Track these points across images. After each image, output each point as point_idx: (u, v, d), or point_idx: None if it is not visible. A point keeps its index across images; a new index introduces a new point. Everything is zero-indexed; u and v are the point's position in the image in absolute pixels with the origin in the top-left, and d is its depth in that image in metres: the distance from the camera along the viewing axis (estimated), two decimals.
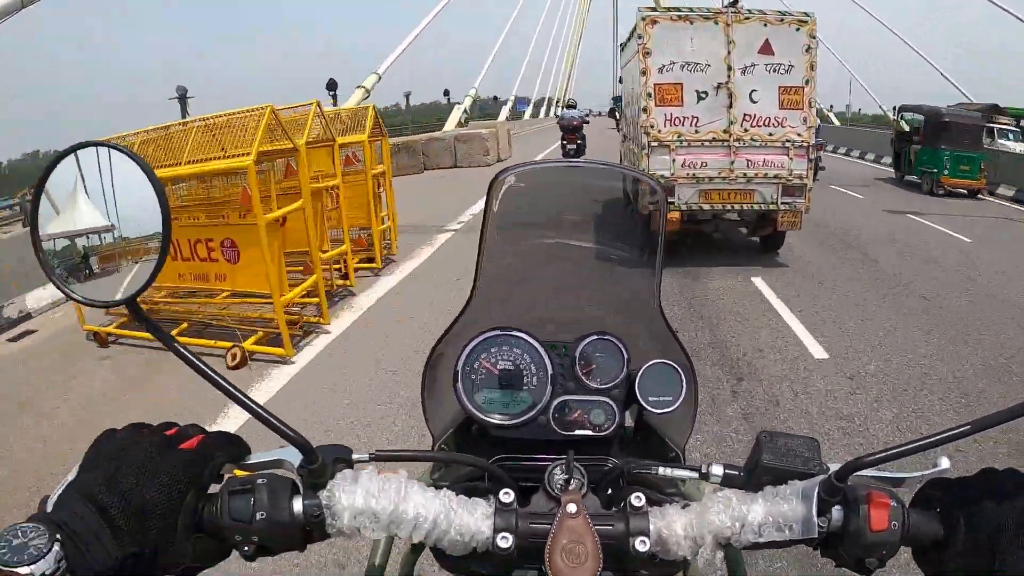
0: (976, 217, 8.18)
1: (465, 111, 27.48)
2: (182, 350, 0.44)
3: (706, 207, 5.22)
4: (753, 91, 5.15)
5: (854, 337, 3.79)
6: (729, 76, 5.03)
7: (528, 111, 44.23)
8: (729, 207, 5.21)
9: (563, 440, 0.60)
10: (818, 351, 3.65)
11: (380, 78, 20.22)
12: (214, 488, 0.46)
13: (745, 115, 5.14)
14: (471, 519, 0.49)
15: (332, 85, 17.96)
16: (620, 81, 7.71)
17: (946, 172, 9.73)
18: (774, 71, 5.19)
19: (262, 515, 0.46)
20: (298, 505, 0.46)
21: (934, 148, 10.21)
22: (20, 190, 12.14)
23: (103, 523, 0.41)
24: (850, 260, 5.74)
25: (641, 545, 0.49)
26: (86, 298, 0.45)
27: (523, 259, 0.79)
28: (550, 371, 0.65)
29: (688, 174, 5.24)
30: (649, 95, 5.23)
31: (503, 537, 0.48)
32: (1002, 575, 0.43)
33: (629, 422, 0.66)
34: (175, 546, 0.43)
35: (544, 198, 0.81)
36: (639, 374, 0.63)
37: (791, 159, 5.03)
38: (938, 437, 0.44)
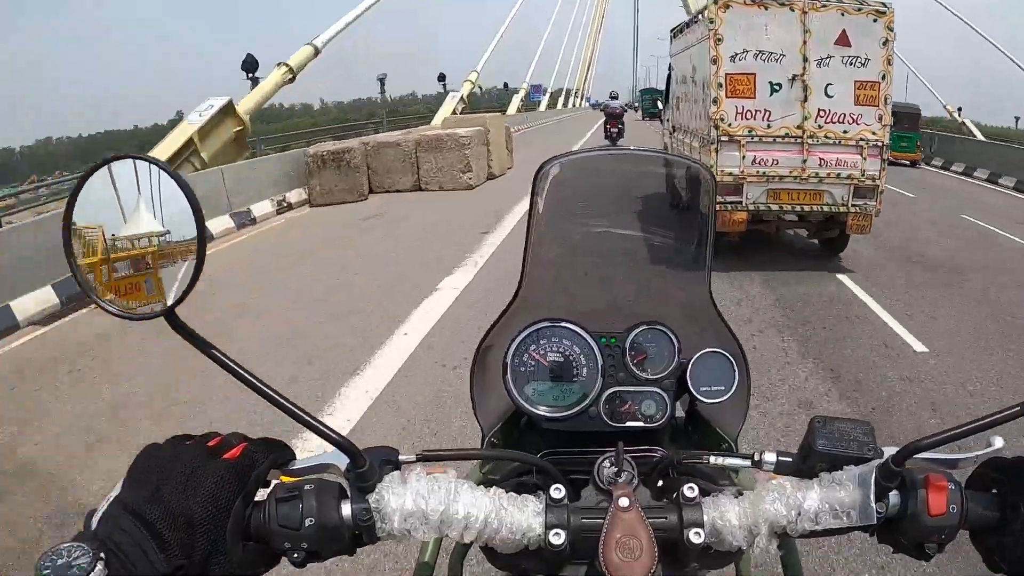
0: (916, 180, 11.12)
1: (463, 99, 23.75)
2: (223, 358, 0.43)
3: (774, 207, 4.97)
4: (828, 85, 4.86)
5: None
6: (804, 68, 4.76)
7: (544, 101, 40.43)
8: (798, 208, 4.99)
9: (614, 432, 0.57)
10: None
11: (317, 52, 15.13)
12: (261, 495, 0.44)
13: (820, 110, 4.89)
14: (522, 516, 0.47)
15: (251, 64, 13.79)
16: (670, 69, 7.32)
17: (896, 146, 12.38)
18: (850, 64, 4.88)
19: (311, 521, 0.44)
20: (347, 510, 0.45)
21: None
22: (29, 177, 11.31)
23: (149, 537, 0.39)
24: None
25: (696, 537, 0.47)
26: (123, 311, 0.43)
27: (571, 250, 0.75)
28: (600, 362, 0.63)
29: (758, 172, 4.96)
30: (720, 85, 4.91)
31: (555, 534, 0.46)
32: None
33: (680, 413, 0.62)
34: (224, 556, 0.41)
35: (590, 187, 0.76)
36: (691, 364, 0.60)
37: (864, 159, 4.79)
38: (993, 418, 0.42)
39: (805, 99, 4.73)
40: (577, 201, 0.78)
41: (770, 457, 0.51)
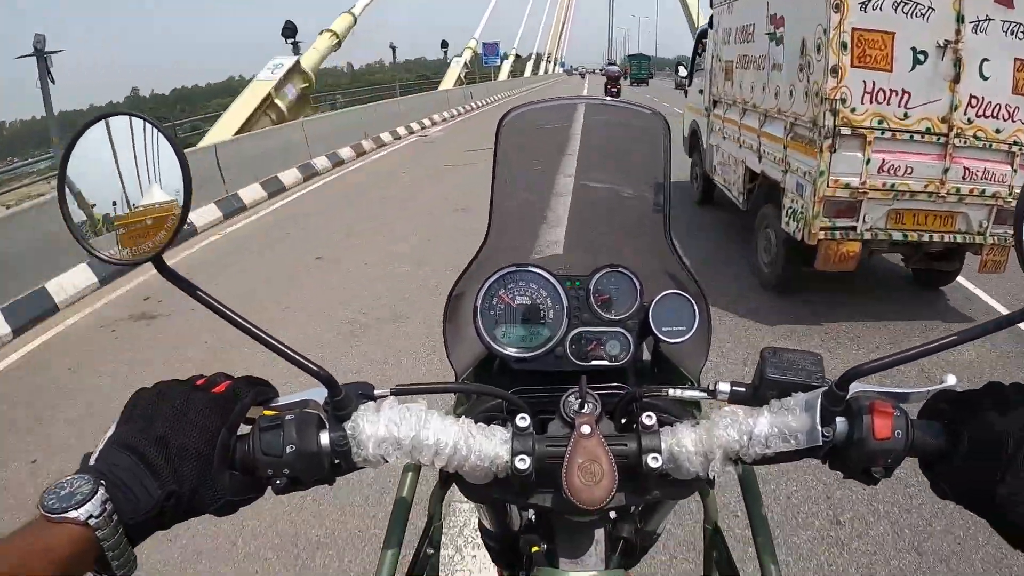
0: None
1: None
2: (208, 298, 0.51)
3: (896, 235, 3.63)
4: (984, 61, 3.36)
5: None
6: (959, 32, 3.29)
7: (505, 67, 38.79)
8: (924, 236, 3.64)
9: (580, 371, 0.68)
10: None
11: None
12: (246, 430, 0.54)
13: (972, 98, 3.38)
14: (489, 444, 0.55)
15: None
16: (709, 26, 6.05)
17: None
18: (1011, 33, 3.35)
19: (292, 448, 0.51)
20: (325, 438, 0.53)
21: None
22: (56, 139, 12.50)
23: (142, 466, 0.47)
24: None
25: (653, 461, 0.54)
26: (113, 258, 0.52)
27: (536, 197, 0.85)
28: (566, 304, 0.73)
29: (884, 184, 3.49)
30: (844, 46, 3.30)
31: (521, 459, 0.53)
32: (1004, 484, 0.48)
33: (647, 356, 0.75)
34: (212, 482, 0.50)
35: (551, 136, 0.85)
36: (652, 305, 0.70)
37: (1015, 171, 3.49)
38: (929, 346, 0.49)
39: (956, 79, 3.37)
40: (540, 150, 0.84)
41: (724, 387, 0.58)
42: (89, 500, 0.44)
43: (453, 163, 10.48)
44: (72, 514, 0.43)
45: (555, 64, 66.97)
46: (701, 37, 6.73)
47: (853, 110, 3.42)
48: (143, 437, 0.49)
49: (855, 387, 0.53)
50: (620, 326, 0.72)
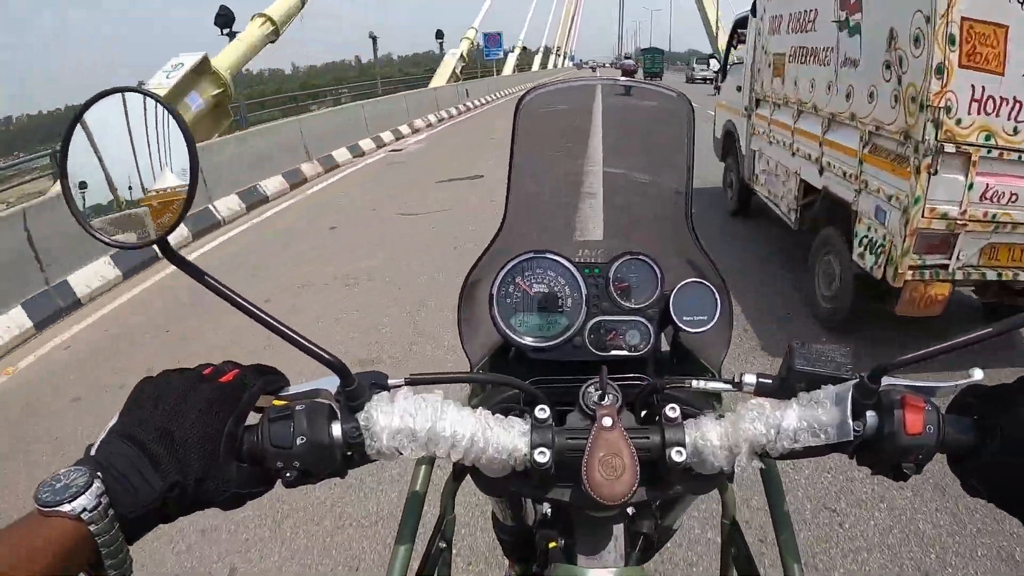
0: None
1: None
2: (216, 283, 0.52)
3: (991, 275, 3.06)
4: None
5: None
6: None
7: (510, 61, 35.98)
8: (1022, 275, 3.11)
9: (599, 361, 0.68)
10: None
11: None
12: (255, 420, 0.55)
13: None
14: (508, 436, 0.55)
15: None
16: (752, 12, 5.30)
17: None
18: None
19: (302, 439, 0.52)
20: (337, 429, 0.54)
21: None
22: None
23: (144, 458, 0.48)
24: None
25: (677, 455, 0.54)
26: (117, 241, 0.52)
27: (555, 182, 0.86)
28: (584, 292, 0.74)
29: (986, 214, 2.88)
30: (951, 40, 2.62)
31: (540, 452, 0.54)
32: None
33: (665, 346, 0.76)
34: (218, 475, 0.50)
35: (571, 119, 0.85)
36: (673, 294, 0.71)
37: None
38: (966, 338, 0.50)
39: None
40: (559, 133, 0.84)
41: (750, 379, 0.59)
42: (83, 493, 0.44)
43: (416, 207, 7.29)
44: (65, 507, 0.43)
45: (564, 58, 66.86)
46: (739, 26, 6.52)
47: (959, 122, 2.92)
48: (146, 427, 0.49)
49: (884, 380, 0.55)
50: (640, 315, 0.73)
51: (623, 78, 0.89)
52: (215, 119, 10.35)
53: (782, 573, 0.71)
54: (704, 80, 45.61)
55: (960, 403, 0.56)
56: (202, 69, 10.14)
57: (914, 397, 0.53)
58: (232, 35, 11.76)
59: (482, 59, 32.56)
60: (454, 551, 0.93)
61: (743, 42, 6.01)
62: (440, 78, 23.73)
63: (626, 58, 34.40)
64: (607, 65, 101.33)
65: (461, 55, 25.83)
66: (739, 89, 5.93)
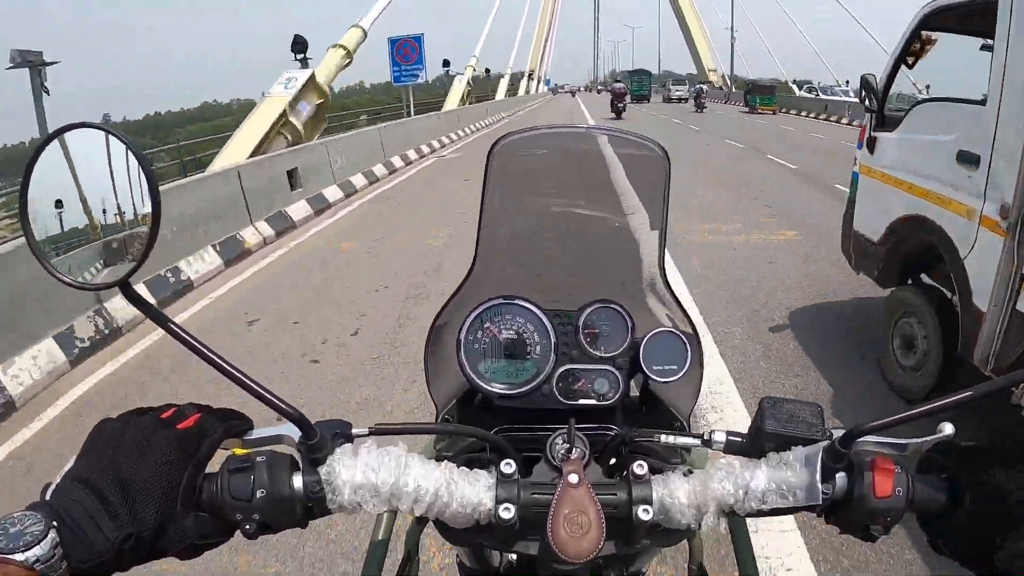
0: (768, 117, 29.71)
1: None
2: (177, 329, 0.51)
3: None
4: None
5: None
6: None
7: (459, 87, 27.90)
8: None
9: (567, 409, 0.69)
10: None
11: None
12: (215, 468, 0.55)
13: None
14: (472, 491, 0.55)
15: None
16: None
17: (758, 102, 32.99)
18: None
19: (262, 492, 0.51)
20: (298, 481, 0.53)
21: (755, 95, 33.65)
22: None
23: (100, 507, 0.47)
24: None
25: (644, 514, 0.54)
26: (77, 282, 0.51)
27: (525, 228, 0.85)
28: (553, 340, 0.73)
29: None
30: None
31: (505, 508, 0.53)
32: (1005, 548, 0.48)
33: (635, 392, 0.76)
34: (175, 525, 0.50)
35: (544, 165, 0.85)
36: (643, 342, 0.71)
37: None
38: (941, 403, 0.49)
39: None
40: (531, 178, 0.84)
41: (720, 436, 0.58)
42: (38, 543, 0.43)
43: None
44: (18, 556, 0.43)
45: (539, 82, 63.43)
46: (923, 26, 3.44)
47: None
48: (102, 474, 0.48)
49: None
50: (610, 364, 0.73)
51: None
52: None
53: None
54: (680, 100, 47.66)
55: (931, 460, 0.55)
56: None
57: (884, 460, 0.53)
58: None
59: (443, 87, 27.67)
60: None
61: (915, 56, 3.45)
62: (452, 102, 25.10)
63: (616, 81, 33.62)
64: (582, 89, 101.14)
65: (468, 80, 26.61)
66: (964, 159, 2.66)
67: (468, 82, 26.37)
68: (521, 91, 48.39)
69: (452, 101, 24.56)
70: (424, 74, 18.62)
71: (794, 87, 39.66)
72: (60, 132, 0.50)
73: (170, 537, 0.49)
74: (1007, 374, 0.47)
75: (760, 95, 33.10)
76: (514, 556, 0.76)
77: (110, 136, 0.49)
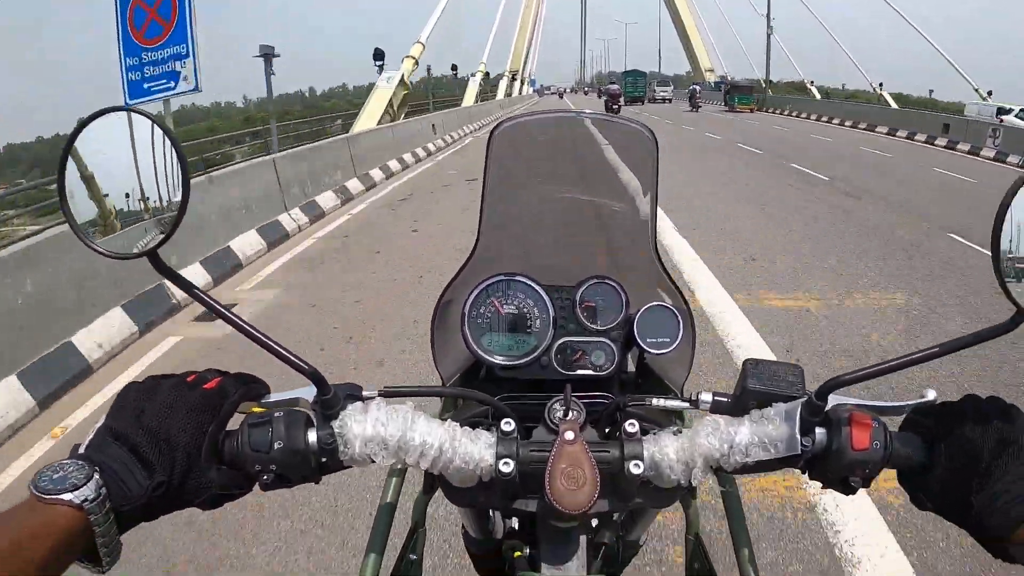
0: (745, 116, 33.23)
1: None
2: (203, 295, 0.55)
3: None
4: None
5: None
6: None
7: (472, 89, 32.03)
8: None
9: (565, 379, 0.71)
10: None
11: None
12: (235, 426, 0.57)
13: None
14: (474, 448, 0.57)
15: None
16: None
17: (737, 101, 36.59)
18: None
19: (280, 444, 0.54)
20: (312, 436, 0.56)
21: (734, 94, 37.41)
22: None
23: (132, 457, 0.50)
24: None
25: (635, 468, 0.56)
26: (109, 251, 0.55)
27: (524, 208, 0.89)
28: (552, 314, 0.77)
29: None
30: None
31: (505, 463, 0.56)
32: (981, 494, 0.51)
33: (631, 367, 0.79)
34: (199, 476, 0.53)
35: (542, 148, 0.89)
36: (637, 316, 0.74)
37: None
38: (910, 358, 0.52)
39: None
40: (530, 161, 0.88)
41: (706, 397, 0.61)
42: (84, 484, 0.46)
43: None
44: (67, 496, 0.45)
45: (525, 84, 60.32)
46: None
47: None
48: (134, 428, 0.52)
49: (837, 400, 0.57)
50: (605, 336, 0.76)
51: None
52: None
53: None
54: (664, 100, 47.66)
55: (911, 422, 0.57)
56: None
57: (861, 414, 0.55)
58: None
59: (434, 86, 27.05)
60: (424, 566, 0.91)
61: None
62: (469, 99, 30.86)
63: (610, 83, 34.33)
64: (568, 90, 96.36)
65: (480, 82, 28.04)
66: None
67: (480, 82, 27.26)
68: (500, 94, 44.11)
69: (468, 100, 30.11)
70: (194, 74, 6.44)
71: (814, 90, 38.44)
72: (97, 115, 0.53)
73: (194, 488, 0.52)
74: (973, 333, 0.48)
75: (739, 95, 37.31)
76: (516, 524, 0.79)
77: (146, 119, 0.52)
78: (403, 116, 18.44)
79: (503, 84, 41.13)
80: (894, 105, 27.63)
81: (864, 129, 22.37)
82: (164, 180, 0.53)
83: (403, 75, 19.70)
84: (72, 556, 0.47)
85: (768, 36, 40.27)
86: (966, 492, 0.51)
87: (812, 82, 39.16)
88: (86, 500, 0.46)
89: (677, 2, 74.79)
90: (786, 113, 30.31)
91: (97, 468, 0.48)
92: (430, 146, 15.23)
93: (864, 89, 37.19)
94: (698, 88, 38.14)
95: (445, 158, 14.26)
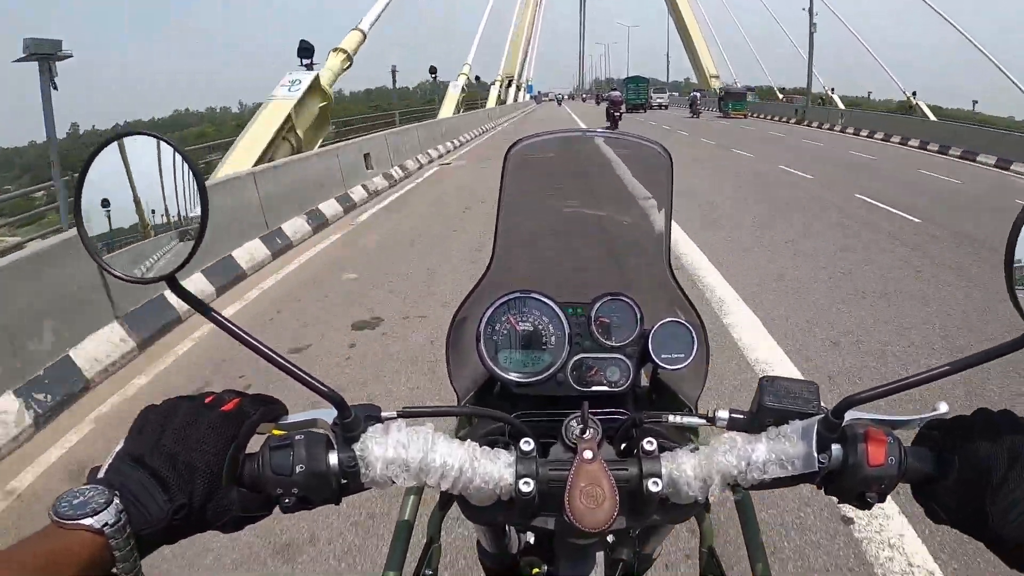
0: (739, 121, 33.44)
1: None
2: (220, 319, 0.55)
3: None
4: None
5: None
6: None
7: (453, 95, 28.09)
8: None
9: (580, 396, 0.72)
10: None
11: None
12: (255, 448, 0.57)
13: None
14: (494, 467, 0.58)
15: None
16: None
17: (730, 108, 37.12)
18: None
19: (301, 467, 0.55)
20: (334, 458, 0.56)
21: (728, 100, 37.70)
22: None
23: (153, 481, 0.50)
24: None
25: (654, 486, 0.57)
26: (128, 275, 0.55)
27: (540, 225, 0.90)
28: (567, 331, 0.77)
29: None
30: None
31: (525, 482, 0.57)
32: (994, 505, 0.52)
33: (645, 382, 0.79)
34: (220, 499, 0.53)
35: (557, 167, 0.91)
36: (652, 332, 0.74)
37: None
38: (926, 375, 0.53)
39: None
40: (545, 180, 0.88)
41: (723, 414, 0.61)
42: (104, 509, 0.46)
43: None
44: (87, 521, 0.45)
45: (521, 90, 56.52)
46: None
47: None
48: (153, 451, 0.52)
49: (851, 415, 0.57)
50: (620, 353, 0.77)
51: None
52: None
53: None
54: (659, 106, 47.22)
55: (924, 436, 0.58)
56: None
57: (876, 431, 0.56)
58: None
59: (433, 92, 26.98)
60: None
61: None
62: (447, 110, 24.71)
63: (612, 89, 32.28)
64: (566, 97, 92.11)
65: (463, 87, 26.48)
66: None
67: (463, 87, 25.64)
68: (491, 101, 38.19)
69: (445, 111, 24.10)
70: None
71: (836, 99, 33.06)
72: (113, 139, 0.54)
73: (215, 510, 0.52)
74: (984, 350, 0.49)
75: (732, 101, 36.69)
76: (531, 539, 0.80)
77: (164, 144, 0.52)
78: (320, 141, 11.91)
79: (495, 90, 37.31)
80: (932, 117, 23.73)
81: (899, 143, 18.97)
82: (180, 203, 0.54)
83: (321, 78, 12.27)
84: None
85: (811, 35, 33.42)
86: (980, 504, 0.51)
87: (833, 89, 34.03)
88: (106, 525, 0.45)
89: (681, 6, 69.75)
90: (828, 127, 24.90)
91: (117, 492, 0.48)
92: (353, 195, 8.87)
93: (889, 98, 36.35)
94: (698, 96, 38.01)
95: (370, 219, 8.12)
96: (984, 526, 0.51)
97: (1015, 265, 0.48)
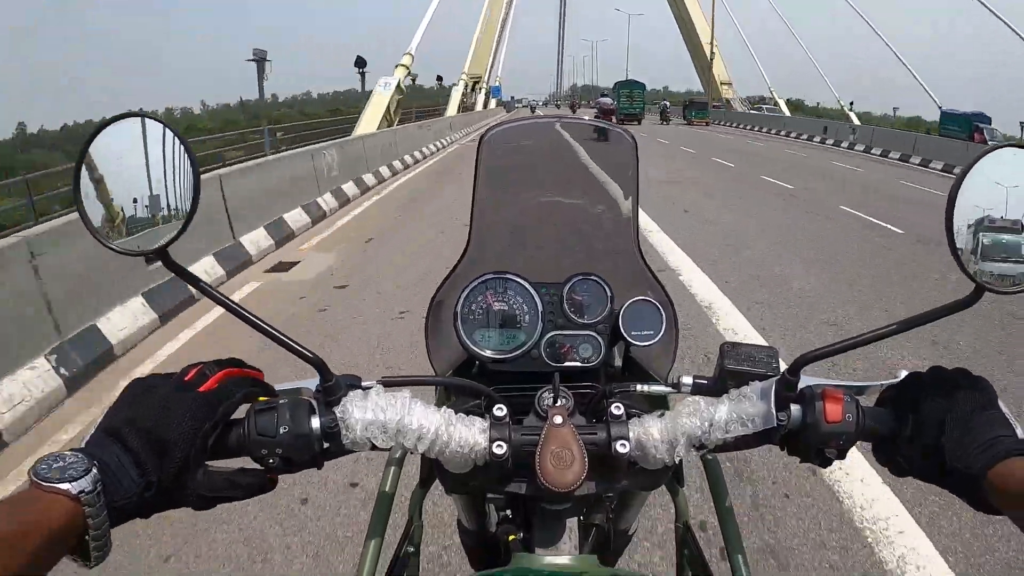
0: (700, 129, 34.80)
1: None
2: (211, 290, 0.56)
3: None
4: None
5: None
6: None
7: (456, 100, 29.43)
8: None
9: (554, 371, 0.73)
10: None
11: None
12: (241, 414, 0.59)
13: None
14: (469, 432, 0.60)
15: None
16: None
17: (693, 116, 39.24)
18: None
19: (285, 428, 0.56)
20: (316, 422, 0.58)
21: (691, 110, 39.99)
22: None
23: (128, 456, 0.51)
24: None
25: (621, 447, 0.59)
26: (122, 249, 0.56)
27: (513, 209, 0.92)
28: (540, 309, 0.81)
29: None
30: None
31: (498, 445, 0.59)
32: (948, 452, 0.53)
33: (618, 361, 0.82)
34: (191, 478, 0.54)
35: (528, 152, 0.93)
36: (622, 311, 0.77)
37: None
38: (873, 334, 0.55)
39: None
40: (518, 165, 0.90)
41: (687, 380, 0.64)
42: (82, 477, 0.47)
43: None
44: (64, 486, 0.46)
45: (488, 95, 45.26)
46: None
47: None
48: (129, 427, 0.52)
49: (812, 379, 0.60)
50: (592, 330, 0.79)
51: (575, 119, 0.91)
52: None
53: (729, 566, 0.78)
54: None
55: (883, 399, 0.61)
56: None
57: (833, 390, 0.59)
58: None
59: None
60: (421, 560, 0.95)
61: None
62: (452, 109, 30.17)
63: (603, 95, 34.24)
64: (541, 104, 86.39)
65: (463, 91, 26.54)
66: None
67: (464, 92, 23.01)
68: (452, 109, 30.39)
69: (451, 109, 28.91)
70: None
71: (782, 104, 37.69)
72: (111, 121, 0.55)
73: (186, 489, 0.53)
74: (933, 309, 0.52)
75: (695, 110, 39.55)
76: (509, 512, 0.82)
77: (159, 125, 0.54)
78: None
79: (456, 93, 30.45)
80: (857, 122, 27.00)
81: (832, 145, 22.21)
82: (175, 182, 0.56)
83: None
84: (64, 549, 0.47)
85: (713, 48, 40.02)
86: (937, 452, 0.53)
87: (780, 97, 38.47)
88: (83, 492, 0.46)
89: (688, 4, 54.28)
90: (758, 129, 29.53)
91: (96, 463, 0.49)
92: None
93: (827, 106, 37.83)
94: (667, 104, 40.82)
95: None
96: (943, 472, 0.53)
97: (957, 235, 0.50)
